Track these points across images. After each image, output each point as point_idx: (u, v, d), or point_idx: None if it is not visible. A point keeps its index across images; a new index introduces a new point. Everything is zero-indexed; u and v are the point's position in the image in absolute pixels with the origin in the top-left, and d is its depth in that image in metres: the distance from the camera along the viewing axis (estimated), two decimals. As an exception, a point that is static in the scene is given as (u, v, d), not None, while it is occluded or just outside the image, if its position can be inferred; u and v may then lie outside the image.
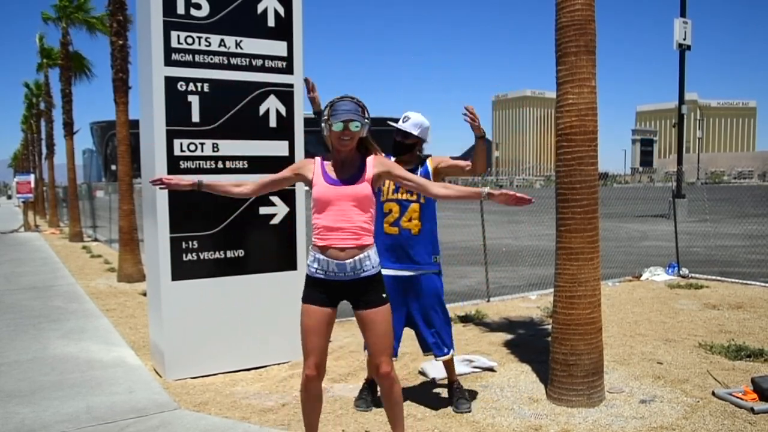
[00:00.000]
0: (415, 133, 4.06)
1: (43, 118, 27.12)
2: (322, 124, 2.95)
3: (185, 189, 3.14)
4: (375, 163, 2.99)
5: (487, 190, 2.92)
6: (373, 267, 2.95)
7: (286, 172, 3.11)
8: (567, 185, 4.17)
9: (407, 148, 4.10)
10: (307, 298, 2.98)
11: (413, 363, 5.18)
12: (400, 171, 3.05)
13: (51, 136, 24.44)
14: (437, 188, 3.04)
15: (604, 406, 4.17)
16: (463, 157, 4.38)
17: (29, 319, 7.14)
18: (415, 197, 4.01)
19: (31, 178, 24.48)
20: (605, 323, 4.40)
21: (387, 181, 3.99)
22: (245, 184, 3.14)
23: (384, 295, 2.98)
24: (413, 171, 4.02)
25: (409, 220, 4.01)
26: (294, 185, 5.34)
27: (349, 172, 2.97)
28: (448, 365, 4.28)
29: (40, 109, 28.17)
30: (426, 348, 4.17)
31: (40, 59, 23.62)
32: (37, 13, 19.16)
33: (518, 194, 2.88)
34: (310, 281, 2.99)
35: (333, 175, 2.95)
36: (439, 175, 4.15)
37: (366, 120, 2.96)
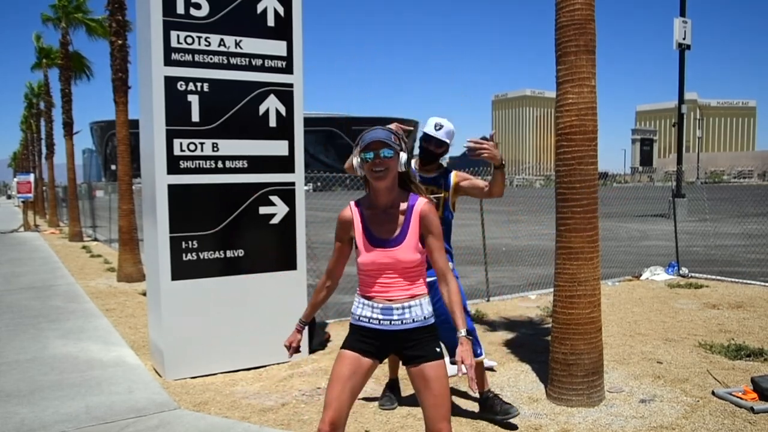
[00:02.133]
0: (449, 142, 4.03)
1: (42, 118, 27.14)
2: (354, 161, 2.57)
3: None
4: (419, 216, 2.53)
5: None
6: (425, 318, 2.56)
7: (337, 244, 2.68)
8: (567, 185, 4.17)
9: (437, 157, 4.05)
10: (346, 344, 2.61)
11: (413, 363, 5.17)
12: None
13: (51, 135, 24.47)
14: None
15: (604, 405, 4.17)
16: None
17: (29, 318, 7.13)
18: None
19: (31, 177, 24.49)
20: (605, 323, 4.40)
21: None
22: (324, 288, 2.78)
23: (438, 350, 2.57)
24: (437, 179, 4.02)
25: None
26: (294, 185, 5.35)
27: (393, 224, 2.54)
28: (480, 371, 3.99)
29: (40, 109, 28.20)
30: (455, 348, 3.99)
31: (37, 59, 23.61)
32: (38, 13, 19.14)
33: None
34: (353, 328, 2.63)
35: (376, 231, 2.55)
36: (458, 191, 4.07)
37: (402, 149, 2.53)
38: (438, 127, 3.99)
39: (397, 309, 2.52)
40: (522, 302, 7.83)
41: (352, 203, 2.64)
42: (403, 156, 2.52)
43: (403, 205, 2.56)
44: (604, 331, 4.34)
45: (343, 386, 2.51)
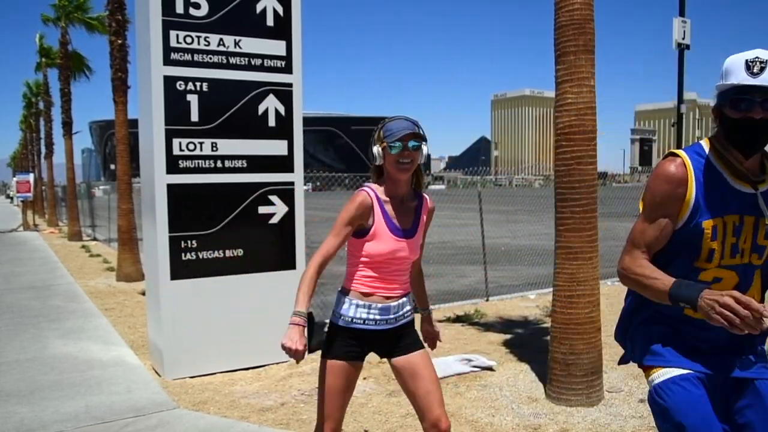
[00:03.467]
0: None
1: (42, 118, 27.12)
2: (374, 149, 2.45)
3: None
4: (428, 212, 2.61)
5: (429, 310, 2.80)
6: (411, 313, 2.61)
7: (347, 228, 2.42)
8: (566, 184, 4.18)
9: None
10: (332, 352, 2.47)
11: (412, 362, 5.18)
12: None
13: (50, 135, 24.47)
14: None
15: (603, 405, 4.18)
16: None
17: (28, 318, 7.13)
18: (763, 260, 2.07)
19: (30, 177, 24.48)
20: (604, 322, 4.40)
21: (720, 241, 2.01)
22: (316, 275, 2.44)
23: (421, 341, 2.63)
24: None
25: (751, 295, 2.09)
26: (293, 185, 5.35)
27: (409, 216, 2.53)
28: None
29: (39, 109, 28.17)
30: None
31: (39, 59, 23.62)
32: (38, 13, 19.15)
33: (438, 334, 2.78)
34: (340, 331, 2.49)
35: (396, 222, 2.47)
36: None
37: (425, 140, 2.47)
38: (759, 65, 1.85)
39: (394, 307, 2.50)
40: (521, 302, 7.83)
41: (369, 189, 2.46)
42: (425, 148, 2.47)
43: (414, 199, 2.57)
44: (603, 331, 4.34)
45: (343, 398, 2.49)
